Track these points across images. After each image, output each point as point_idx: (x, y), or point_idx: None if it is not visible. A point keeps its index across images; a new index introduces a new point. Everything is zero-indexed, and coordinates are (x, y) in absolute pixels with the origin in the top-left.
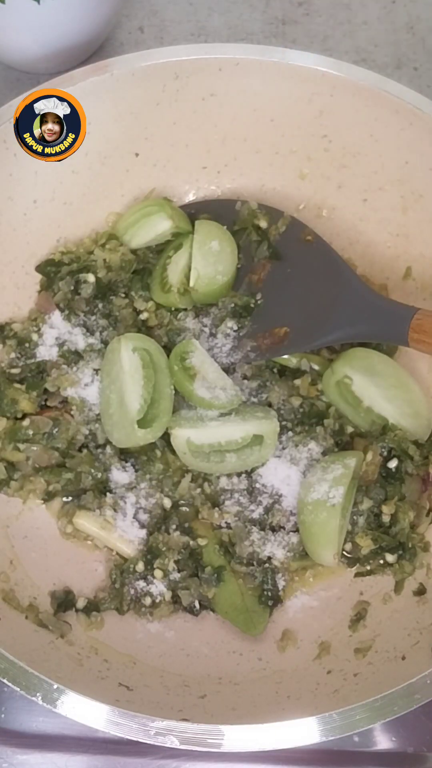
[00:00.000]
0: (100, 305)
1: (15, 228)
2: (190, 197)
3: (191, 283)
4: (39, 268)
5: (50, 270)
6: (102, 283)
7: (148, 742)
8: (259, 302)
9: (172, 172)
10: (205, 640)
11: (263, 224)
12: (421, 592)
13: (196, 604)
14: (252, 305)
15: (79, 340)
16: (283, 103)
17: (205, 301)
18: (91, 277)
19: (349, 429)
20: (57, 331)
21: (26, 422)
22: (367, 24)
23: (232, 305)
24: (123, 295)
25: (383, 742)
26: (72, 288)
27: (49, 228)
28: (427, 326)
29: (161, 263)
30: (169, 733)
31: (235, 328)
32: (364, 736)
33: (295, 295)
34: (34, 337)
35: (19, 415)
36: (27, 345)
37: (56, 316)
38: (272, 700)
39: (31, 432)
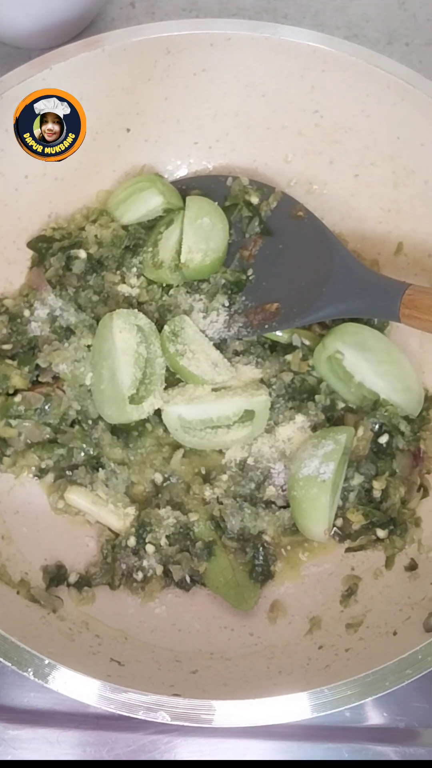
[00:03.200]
0: (92, 281)
1: (6, 203)
2: (182, 173)
3: (182, 259)
4: (30, 244)
5: (42, 246)
6: (93, 259)
7: (140, 717)
8: (250, 278)
9: (164, 147)
10: (196, 616)
11: (254, 200)
12: (412, 567)
13: (188, 578)
14: (243, 281)
15: (70, 315)
16: (274, 78)
17: (197, 277)
18: (82, 253)
19: (341, 404)
20: (49, 307)
21: (18, 398)
22: None
23: (224, 281)
24: (114, 271)
25: (375, 717)
26: (63, 264)
27: (40, 203)
28: (418, 302)
29: (152, 239)
30: (161, 709)
31: (227, 304)
32: (355, 712)
33: (286, 270)
34: (26, 312)
35: (11, 391)
36: (19, 321)
37: (48, 292)
38: (263, 675)
39: (23, 408)
